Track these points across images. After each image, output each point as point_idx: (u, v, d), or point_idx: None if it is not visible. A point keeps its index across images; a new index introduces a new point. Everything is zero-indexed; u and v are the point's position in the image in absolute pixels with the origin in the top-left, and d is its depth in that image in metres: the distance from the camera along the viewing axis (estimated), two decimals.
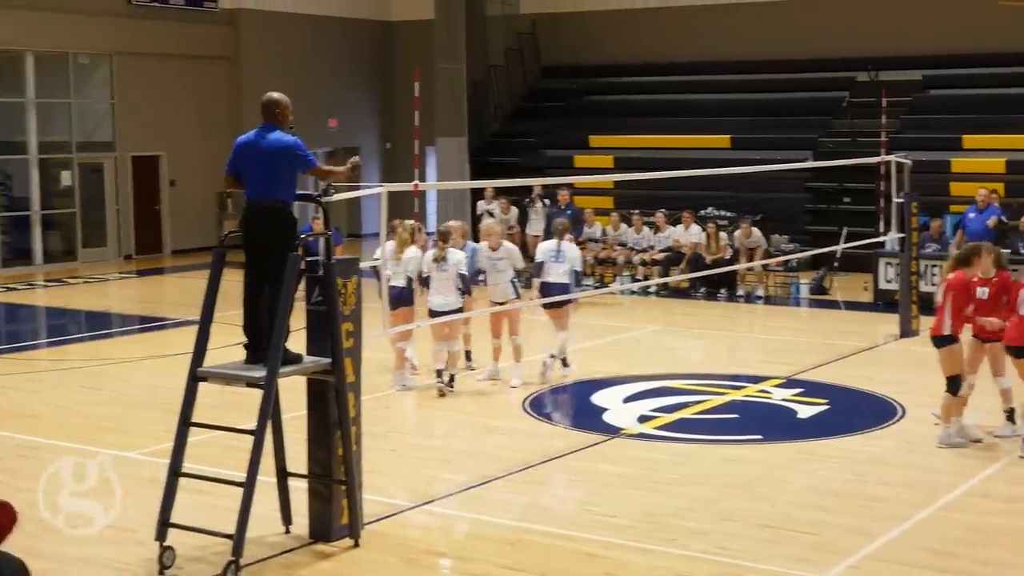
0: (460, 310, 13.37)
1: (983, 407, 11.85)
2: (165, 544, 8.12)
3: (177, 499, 8.25)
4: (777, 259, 21.35)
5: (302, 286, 8.69)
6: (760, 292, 21.27)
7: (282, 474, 8.90)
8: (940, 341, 11.26)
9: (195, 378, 8.42)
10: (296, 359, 8.52)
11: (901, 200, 17.15)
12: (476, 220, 24.72)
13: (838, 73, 28.01)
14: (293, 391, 9.13)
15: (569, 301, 14.55)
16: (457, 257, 13.44)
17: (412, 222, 15.16)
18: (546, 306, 14.39)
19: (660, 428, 12.15)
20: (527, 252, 18.73)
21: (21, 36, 25.39)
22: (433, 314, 13.27)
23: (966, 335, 11.50)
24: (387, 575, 8.24)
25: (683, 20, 29.90)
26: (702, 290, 21.30)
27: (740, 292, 21.19)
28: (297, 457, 8.93)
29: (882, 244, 19.22)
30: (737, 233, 21.85)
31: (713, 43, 29.25)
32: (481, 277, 14.14)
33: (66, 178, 27.11)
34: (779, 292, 21.58)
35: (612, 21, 30.77)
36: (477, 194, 25.46)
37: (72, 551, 8.44)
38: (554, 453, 11.24)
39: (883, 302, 19.40)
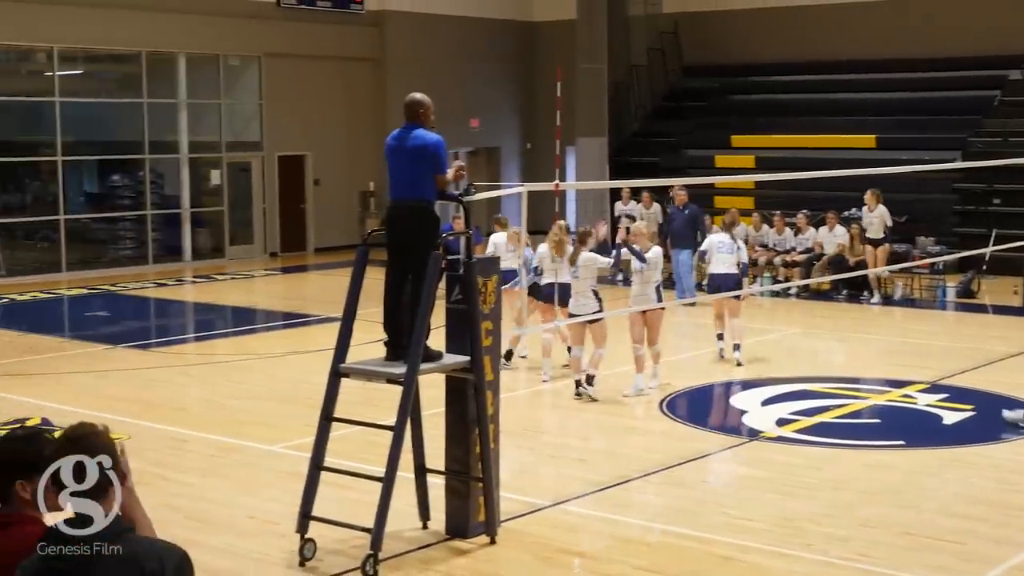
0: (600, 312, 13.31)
1: None
2: (306, 536, 8.27)
3: (318, 492, 8.40)
4: (923, 261, 20.93)
5: (442, 284, 8.78)
6: (898, 294, 20.90)
7: (420, 470, 8.99)
8: None
9: (337, 374, 8.56)
10: (436, 356, 8.61)
11: None
12: (615, 222, 24.68)
13: (989, 71, 27.30)
14: (432, 388, 9.23)
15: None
16: (590, 259, 13.36)
17: (564, 222, 15.28)
18: (716, 292, 15.43)
19: (799, 432, 11.99)
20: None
21: (173, 38, 26.08)
22: (572, 318, 13.30)
23: None
24: (523, 573, 8.28)
25: (828, 17, 29.44)
26: (844, 292, 20.97)
27: (874, 299, 20.77)
28: (435, 454, 9.02)
29: None
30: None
31: (859, 41, 28.75)
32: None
33: (215, 177, 27.78)
34: (925, 295, 21.14)
35: (756, 19, 30.45)
36: (616, 195, 25.40)
37: (214, 541, 8.66)
38: (691, 455, 11.18)
39: None
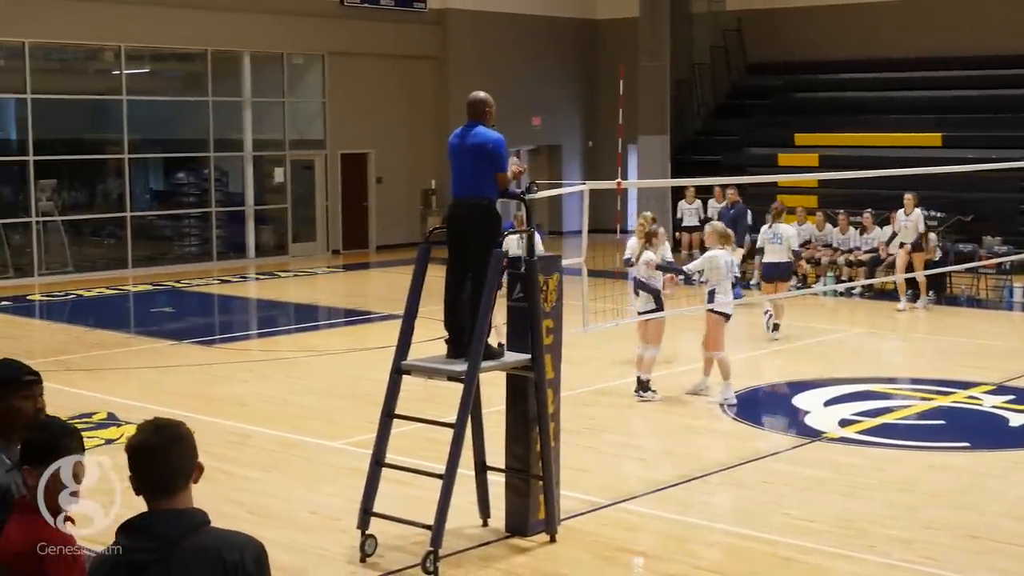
0: (656, 312, 13.24)
1: None
2: (367, 532, 8.31)
3: (379, 489, 8.43)
4: (990, 261, 20.66)
5: (504, 282, 8.79)
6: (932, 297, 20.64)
7: (481, 468, 9.00)
8: None
9: (398, 371, 8.59)
10: (497, 354, 8.62)
11: None
12: (677, 221, 24.62)
13: None
14: (493, 386, 9.24)
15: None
16: (648, 258, 13.30)
17: (650, 213, 15.32)
18: (769, 280, 16.78)
19: (862, 432, 11.88)
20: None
21: (238, 37, 26.30)
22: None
23: None
24: (582, 572, 8.27)
25: (894, 14, 29.15)
26: (909, 292, 20.75)
27: (900, 305, 19.86)
28: (496, 451, 9.03)
29: None
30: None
31: (925, 37, 28.45)
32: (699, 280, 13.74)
33: (278, 175, 27.99)
34: (991, 296, 20.87)
35: (820, 16, 30.21)
36: (677, 194, 25.31)
37: (276, 536, 8.71)
38: (753, 455, 11.12)
39: None
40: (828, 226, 22.64)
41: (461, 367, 8.35)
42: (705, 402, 13.12)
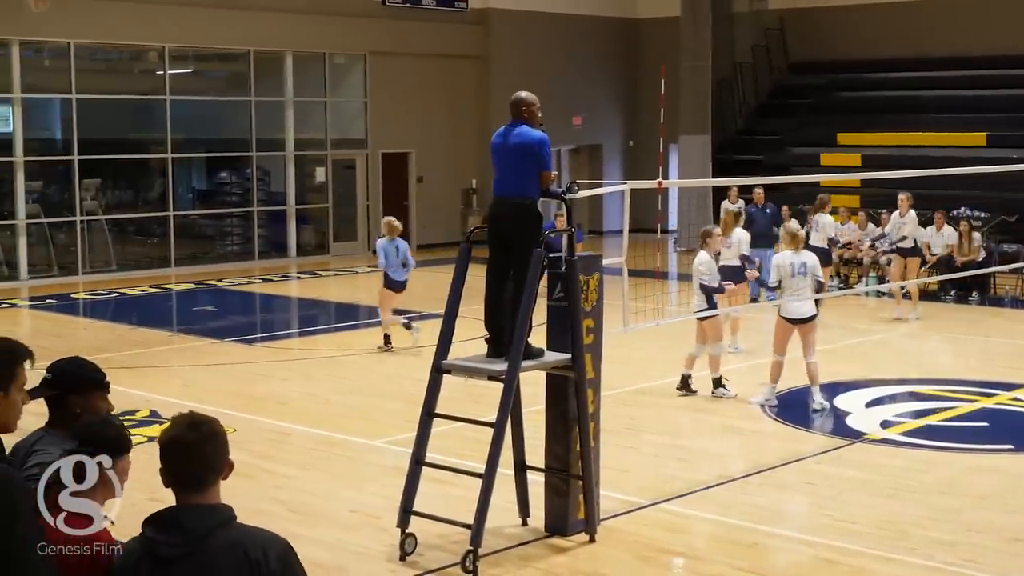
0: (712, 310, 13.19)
1: None
2: (407, 531, 8.33)
3: (419, 488, 8.44)
4: None
5: (544, 281, 8.78)
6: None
7: (520, 467, 9.00)
8: None
9: (438, 370, 8.60)
10: (538, 354, 8.62)
11: None
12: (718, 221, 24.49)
13: None
14: (533, 385, 9.24)
15: None
16: (703, 262, 13.26)
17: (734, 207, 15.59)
18: None
19: (904, 434, 11.80)
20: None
21: (281, 37, 26.42)
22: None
23: None
24: (622, 572, 8.25)
25: (937, 12, 28.92)
26: (952, 292, 20.59)
27: (897, 313, 18.84)
28: (535, 451, 9.03)
29: None
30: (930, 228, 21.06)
31: (969, 36, 28.21)
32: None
33: (320, 174, 28.11)
34: None
35: (863, 15, 30.02)
36: (719, 193, 25.21)
37: (316, 534, 8.76)
38: (794, 456, 11.06)
39: None
40: (871, 226, 22.48)
41: (501, 366, 8.35)
42: (746, 403, 13.06)
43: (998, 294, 20.75)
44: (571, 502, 8.74)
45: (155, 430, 11.67)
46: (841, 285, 21.38)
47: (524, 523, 8.97)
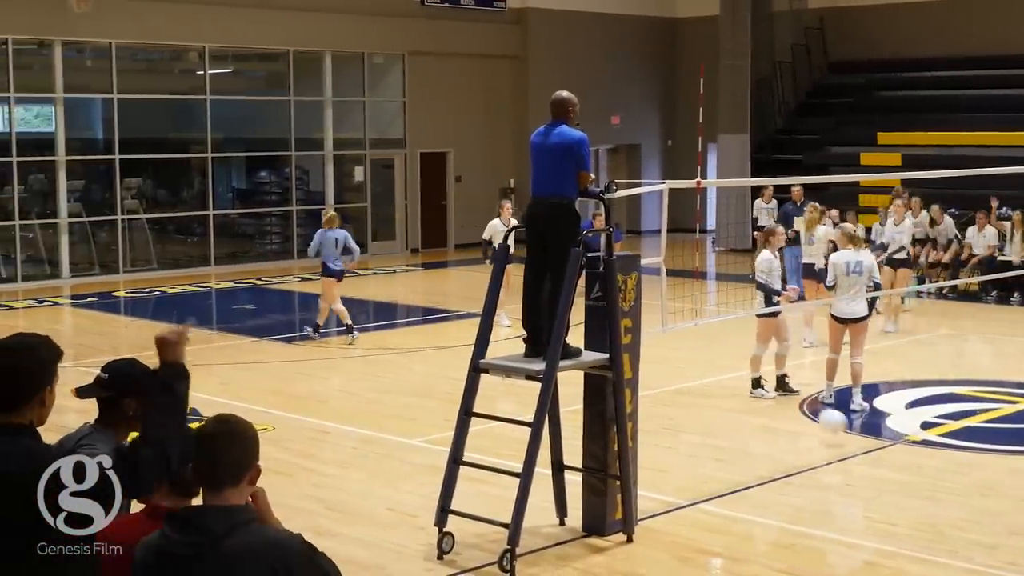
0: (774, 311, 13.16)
1: None
2: (444, 530, 8.35)
3: (456, 487, 8.46)
4: None
5: (582, 281, 8.78)
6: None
7: (558, 467, 9.00)
8: None
9: (476, 369, 8.61)
10: (575, 353, 8.62)
11: None
12: (753, 221, 24.39)
13: None
14: (571, 385, 9.23)
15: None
16: (766, 262, 13.18)
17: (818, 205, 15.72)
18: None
19: (945, 435, 11.73)
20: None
21: (320, 37, 26.52)
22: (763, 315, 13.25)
23: None
24: (659, 572, 8.24)
25: (978, 11, 28.70)
26: (993, 293, 20.43)
27: (889, 327, 17.20)
28: (573, 451, 9.03)
29: None
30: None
31: (1010, 34, 27.97)
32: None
33: (358, 174, 28.19)
34: None
35: (904, 13, 29.82)
36: (758, 193, 25.11)
37: (354, 532, 8.79)
38: (833, 457, 11.01)
39: None
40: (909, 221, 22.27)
41: (539, 366, 8.35)
42: (784, 403, 13.01)
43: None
44: (608, 502, 8.73)
45: (194, 428, 11.73)
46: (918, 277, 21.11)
47: (561, 523, 8.98)
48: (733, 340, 16.23)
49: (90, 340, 16.27)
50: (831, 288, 12.78)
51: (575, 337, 8.63)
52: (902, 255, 17.28)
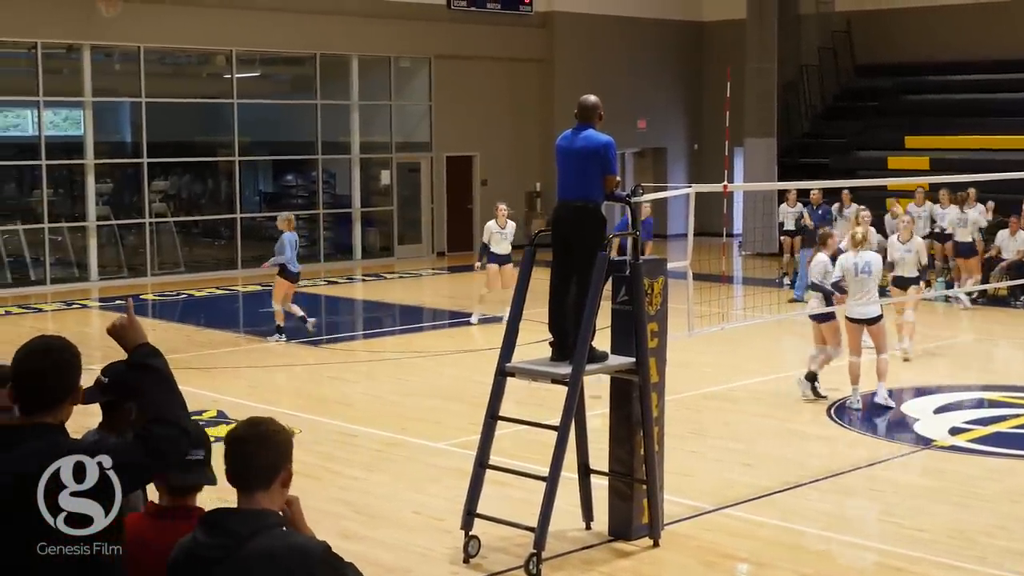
0: (829, 314, 13.07)
1: None
2: (470, 533, 8.34)
3: (482, 490, 8.45)
4: None
5: (608, 284, 8.77)
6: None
7: (584, 471, 9.00)
8: None
9: (502, 373, 8.60)
10: (601, 357, 8.61)
11: None
12: (780, 225, 24.33)
13: None
14: (596, 389, 9.22)
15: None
16: (821, 265, 13.12)
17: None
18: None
19: (974, 441, 11.66)
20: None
21: (346, 41, 26.57)
22: (815, 317, 13.22)
23: None
24: None
25: (1007, 15, 28.52)
26: (1022, 299, 20.29)
27: (901, 346, 15.73)
28: (599, 455, 9.02)
29: None
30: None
31: None
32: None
33: (385, 177, 28.24)
34: None
35: (932, 17, 29.68)
36: (783, 198, 25.03)
37: (380, 535, 8.80)
38: (861, 462, 10.96)
39: None
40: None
41: (565, 370, 8.35)
42: (811, 408, 12.97)
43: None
44: (635, 506, 8.72)
45: (222, 430, 11.77)
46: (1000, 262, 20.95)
47: (588, 527, 8.96)
48: (759, 344, 16.22)
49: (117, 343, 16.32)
50: (844, 292, 12.80)
51: (601, 341, 8.62)
52: (912, 273, 15.99)
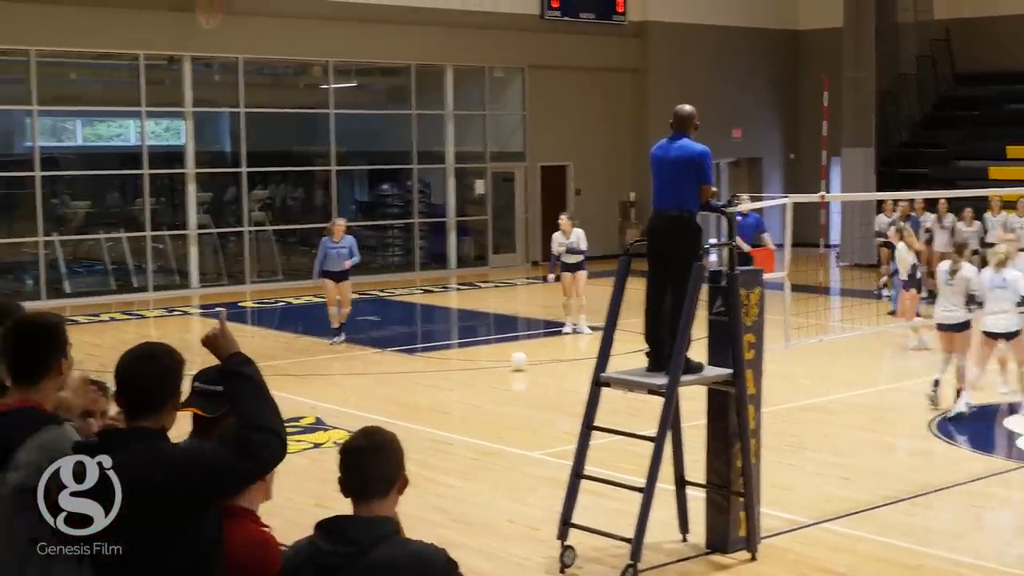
0: (966, 324, 12.89)
1: None
2: (566, 543, 8.35)
3: (578, 500, 8.47)
4: None
5: (704, 295, 8.73)
6: None
7: (680, 482, 8.96)
8: None
9: (598, 383, 8.61)
10: (697, 368, 8.57)
11: None
12: (877, 235, 24.03)
13: None
14: (693, 400, 9.19)
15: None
16: (968, 273, 12.98)
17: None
18: None
19: None
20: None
21: (442, 51, 26.76)
22: (941, 327, 13.10)
23: None
24: None
25: None
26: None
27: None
28: (695, 466, 8.98)
29: None
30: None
31: None
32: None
33: (479, 187, 28.37)
34: None
35: None
36: (879, 207, 24.72)
37: (476, 543, 8.84)
38: (961, 478, 10.78)
39: None
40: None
41: (661, 380, 8.33)
42: (911, 421, 12.80)
43: None
44: (732, 519, 8.66)
45: (320, 436, 11.92)
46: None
47: (684, 539, 8.93)
48: (857, 357, 16.02)
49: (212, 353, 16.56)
50: (981, 305, 12.64)
51: (697, 352, 8.58)
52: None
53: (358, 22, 25.28)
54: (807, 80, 31.35)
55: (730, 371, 8.56)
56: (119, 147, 25.73)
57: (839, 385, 14.51)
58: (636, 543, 7.92)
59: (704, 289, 8.57)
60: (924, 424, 12.63)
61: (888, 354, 16.39)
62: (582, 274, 18.00)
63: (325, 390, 14.49)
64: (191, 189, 24.24)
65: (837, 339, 15.91)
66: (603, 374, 8.63)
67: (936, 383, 13.12)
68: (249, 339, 19.04)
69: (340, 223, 18.03)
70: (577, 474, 8.50)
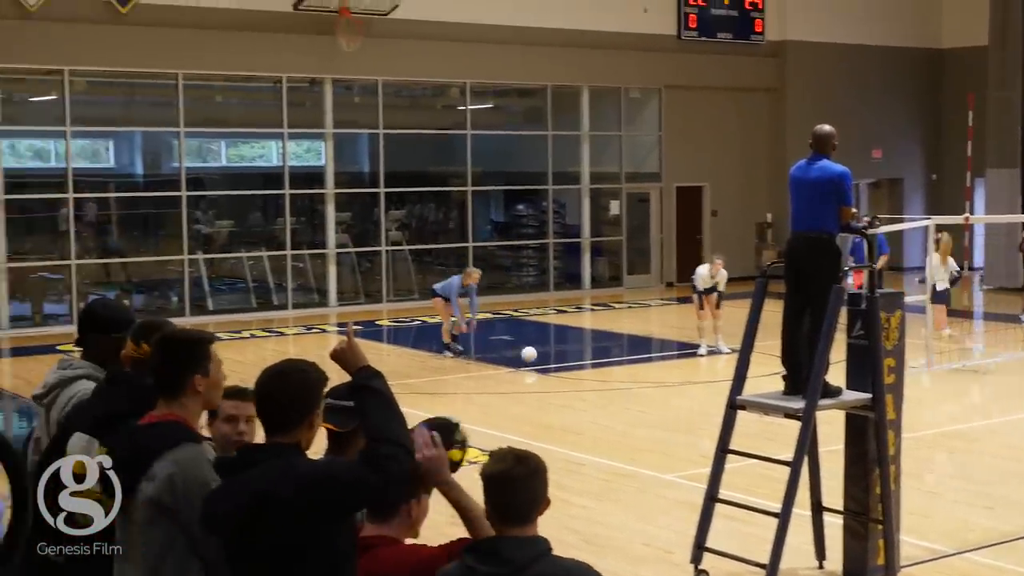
0: None
1: None
2: (700, 567, 8.29)
3: (712, 524, 8.39)
4: None
5: (843, 318, 8.60)
6: None
7: (817, 508, 8.82)
8: None
9: (733, 406, 8.53)
10: (835, 392, 8.44)
11: None
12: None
13: None
14: (830, 424, 9.05)
15: None
16: None
17: None
18: None
19: None
20: None
21: (577, 72, 26.81)
22: None
23: None
24: None
25: None
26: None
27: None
28: (832, 492, 8.84)
29: None
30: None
31: None
32: None
33: (614, 207, 28.34)
34: None
35: None
36: None
37: (609, 566, 8.79)
38: None
39: None
40: None
41: (798, 404, 8.22)
42: None
43: None
44: (870, 546, 8.49)
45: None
46: None
47: (820, 566, 8.78)
48: (1002, 383, 15.60)
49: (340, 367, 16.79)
50: None
51: (835, 376, 8.45)
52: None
53: (495, 44, 25.48)
54: (949, 99, 30.71)
55: (869, 396, 8.41)
56: (261, 168, 26.33)
57: (981, 412, 14.17)
58: (771, 569, 7.82)
59: (843, 312, 8.45)
60: None
61: None
62: (715, 296, 17.95)
63: (460, 408, 14.56)
64: (330, 209, 24.66)
65: (981, 364, 15.51)
66: (739, 397, 8.55)
67: None
68: (385, 357, 19.28)
69: (475, 274, 18.86)
70: (712, 497, 8.43)
